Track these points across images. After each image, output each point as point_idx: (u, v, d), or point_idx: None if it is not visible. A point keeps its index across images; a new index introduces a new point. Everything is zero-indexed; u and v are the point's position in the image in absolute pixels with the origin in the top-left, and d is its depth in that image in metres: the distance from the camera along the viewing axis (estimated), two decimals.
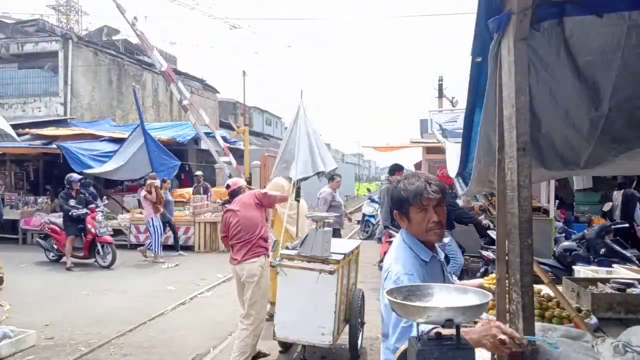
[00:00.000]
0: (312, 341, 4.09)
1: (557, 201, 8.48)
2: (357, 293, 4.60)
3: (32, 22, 18.51)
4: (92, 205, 9.19)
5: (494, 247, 1.80)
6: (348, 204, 26.29)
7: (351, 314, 4.43)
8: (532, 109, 1.49)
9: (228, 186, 4.74)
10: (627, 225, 6.26)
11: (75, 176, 9.10)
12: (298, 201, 5.76)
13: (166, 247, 10.08)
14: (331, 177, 8.50)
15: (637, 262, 4.47)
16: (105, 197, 12.46)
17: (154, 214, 9.38)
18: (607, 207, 8.78)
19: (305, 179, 6.12)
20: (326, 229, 4.21)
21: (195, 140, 15.96)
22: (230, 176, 9.00)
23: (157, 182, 9.62)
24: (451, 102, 20.09)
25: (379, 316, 2.13)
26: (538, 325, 1.61)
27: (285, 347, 4.61)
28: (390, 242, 6.68)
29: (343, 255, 4.15)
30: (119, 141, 12.34)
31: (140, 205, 11.38)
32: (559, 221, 7.67)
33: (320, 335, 4.00)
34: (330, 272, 3.93)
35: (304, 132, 7.85)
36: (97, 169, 11.27)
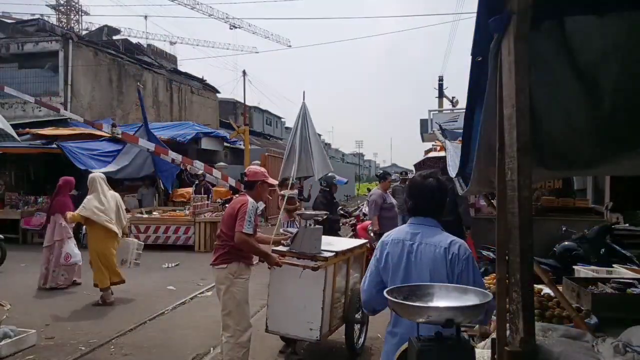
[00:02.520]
0: (300, 335, 4.13)
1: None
2: (357, 292, 4.60)
3: (32, 22, 18.53)
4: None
5: (494, 247, 1.80)
6: (348, 203, 26.32)
7: (348, 313, 4.43)
8: (532, 109, 1.49)
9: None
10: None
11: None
12: (301, 200, 5.76)
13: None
14: (383, 176, 8.01)
15: (637, 262, 4.47)
16: None
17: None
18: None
19: (304, 178, 6.09)
20: (316, 226, 4.21)
21: (196, 140, 15.98)
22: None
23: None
24: (451, 102, 20.08)
25: (379, 316, 2.13)
26: (538, 325, 1.61)
27: (288, 344, 4.61)
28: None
29: (335, 253, 4.14)
30: (119, 141, 12.33)
31: (140, 205, 12.76)
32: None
33: (308, 330, 4.02)
34: (314, 269, 3.91)
35: (304, 136, 7.86)
36: (102, 169, 11.26)
